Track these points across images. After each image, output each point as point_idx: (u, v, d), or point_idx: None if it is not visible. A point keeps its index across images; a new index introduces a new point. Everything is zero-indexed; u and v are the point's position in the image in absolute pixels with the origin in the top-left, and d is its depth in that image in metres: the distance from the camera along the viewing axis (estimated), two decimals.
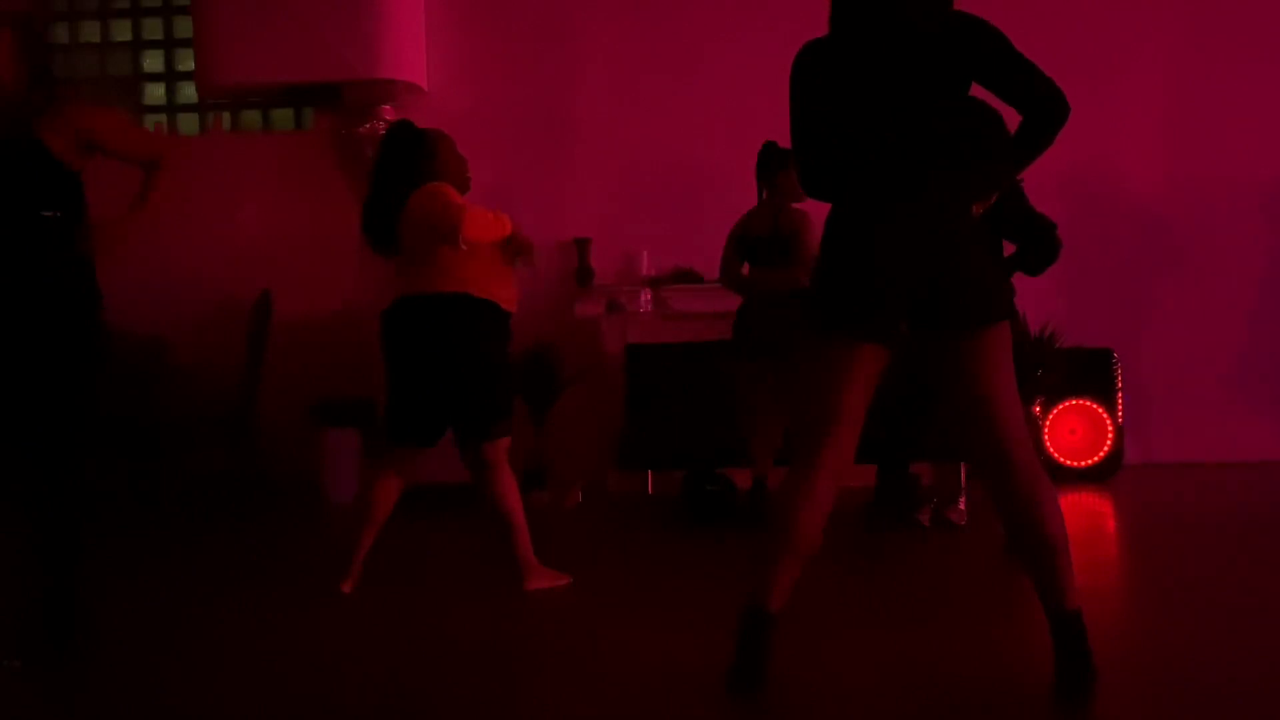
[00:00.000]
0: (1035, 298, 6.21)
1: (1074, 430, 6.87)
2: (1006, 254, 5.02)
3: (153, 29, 7.95)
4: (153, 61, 7.98)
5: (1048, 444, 6.83)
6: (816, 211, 3.33)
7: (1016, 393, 2.96)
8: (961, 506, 5.43)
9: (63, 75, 3.84)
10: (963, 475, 5.53)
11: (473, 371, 4.29)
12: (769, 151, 5.66)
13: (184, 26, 7.77)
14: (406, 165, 4.40)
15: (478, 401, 4.31)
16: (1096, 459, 6.83)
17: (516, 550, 4.38)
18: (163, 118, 7.94)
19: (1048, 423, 6.85)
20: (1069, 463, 6.81)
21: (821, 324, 2.98)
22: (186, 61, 7.74)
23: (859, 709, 2.98)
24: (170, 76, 7.95)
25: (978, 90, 2.93)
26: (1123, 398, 6.94)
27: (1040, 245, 4.89)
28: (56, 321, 3.51)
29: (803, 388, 3.07)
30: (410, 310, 4.28)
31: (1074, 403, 6.86)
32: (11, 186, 3.48)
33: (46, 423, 3.51)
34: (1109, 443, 6.84)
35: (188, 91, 7.81)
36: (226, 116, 7.90)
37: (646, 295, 7.24)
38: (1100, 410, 6.86)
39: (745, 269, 5.77)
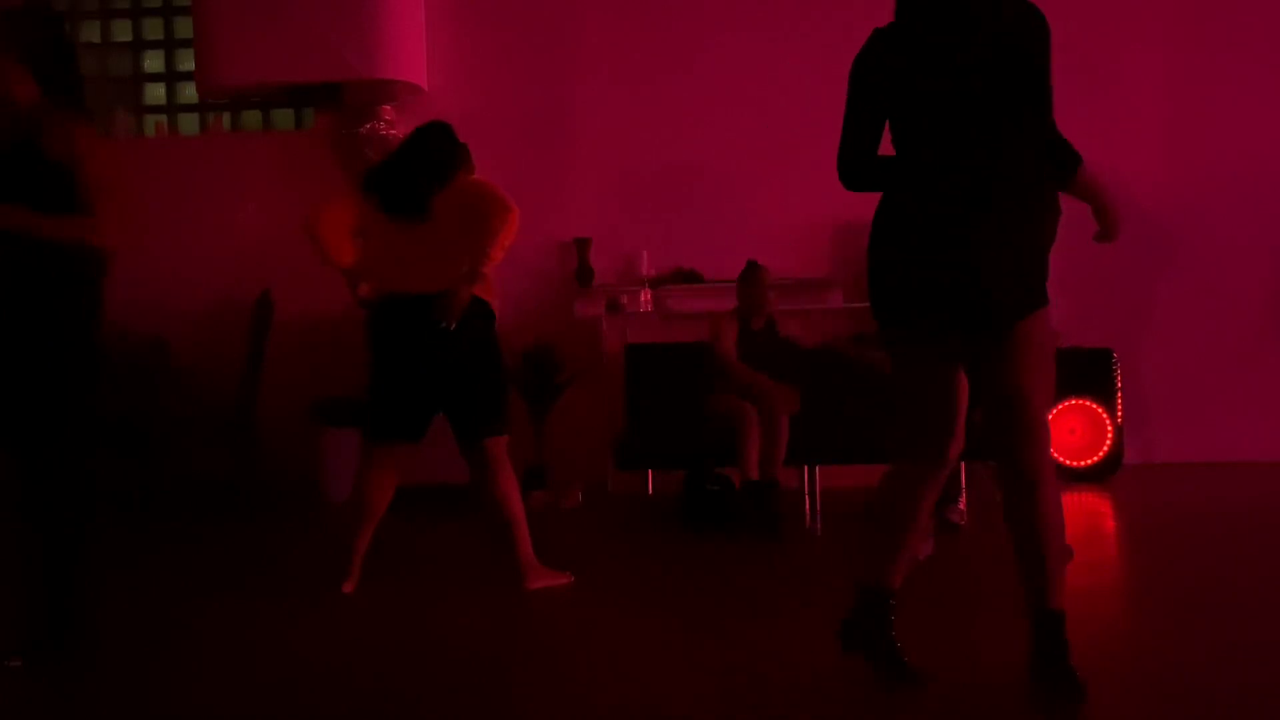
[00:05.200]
0: None
1: (1074, 430, 6.87)
2: None
3: (153, 29, 7.96)
4: (153, 61, 7.98)
5: None
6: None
7: (1048, 386, 2.98)
8: (961, 506, 5.43)
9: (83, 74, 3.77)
10: (963, 475, 5.52)
11: (476, 369, 4.31)
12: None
13: (184, 26, 7.77)
14: (444, 154, 4.43)
15: (480, 399, 4.32)
16: (1096, 459, 6.83)
17: (517, 549, 4.39)
18: (163, 118, 7.95)
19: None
20: (1069, 463, 6.81)
21: (905, 326, 2.97)
22: (186, 61, 7.74)
23: (857, 708, 2.98)
24: (170, 76, 7.96)
25: None
26: (1123, 398, 6.95)
27: None
28: (47, 325, 3.52)
29: (905, 392, 3.08)
30: (411, 308, 4.28)
31: (1074, 403, 6.86)
32: (12, 190, 3.49)
33: (38, 425, 3.51)
34: (1109, 443, 6.84)
35: (188, 91, 7.81)
36: (226, 116, 7.90)
37: (646, 295, 7.25)
38: (1100, 410, 6.86)
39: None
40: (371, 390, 4.43)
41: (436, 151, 4.42)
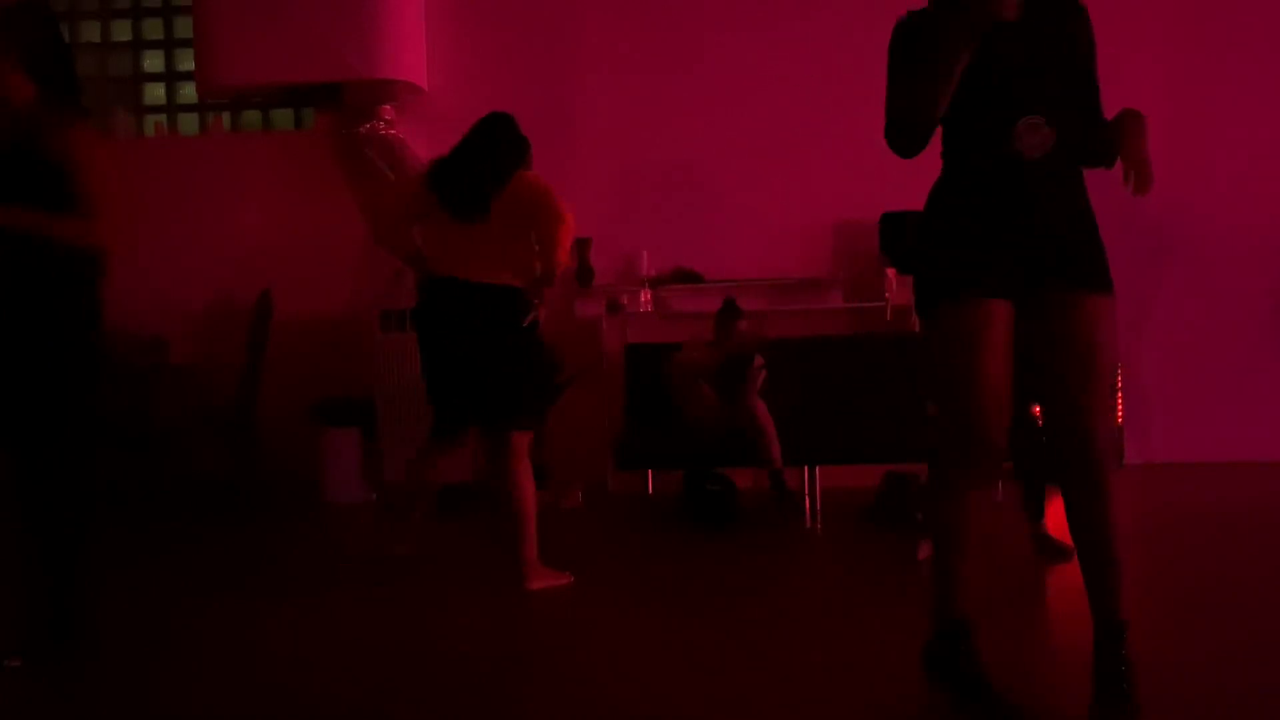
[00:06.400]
0: None
1: None
2: None
3: (153, 29, 7.96)
4: (153, 61, 7.99)
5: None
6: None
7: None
8: None
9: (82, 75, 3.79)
10: None
11: (510, 359, 4.38)
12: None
13: (184, 26, 7.77)
14: (507, 156, 4.52)
15: (507, 389, 4.38)
16: None
17: (521, 547, 4.40)
18: (163, 118, 7.95)
19: None
20: None
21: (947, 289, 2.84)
22: (186, 61, 7.74)
23: (857, 708, 2.98)
24: (170, 76, 7.96)
25: None
26: (1123, 398, 6.94)
27: None
28: (46, 325, 3.52)
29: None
30: (457, 291, 4.35)
31: None
32: (10, 190, 3.49)
33: (38, 425, 3.51)
34: None
35: (188, 91, 7.81)
36: (226, 116, 7.90)
37: (646, 295, 7.25)
38: None
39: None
40: (429, 392, 4.56)
41: (499, 153, 4.50)
